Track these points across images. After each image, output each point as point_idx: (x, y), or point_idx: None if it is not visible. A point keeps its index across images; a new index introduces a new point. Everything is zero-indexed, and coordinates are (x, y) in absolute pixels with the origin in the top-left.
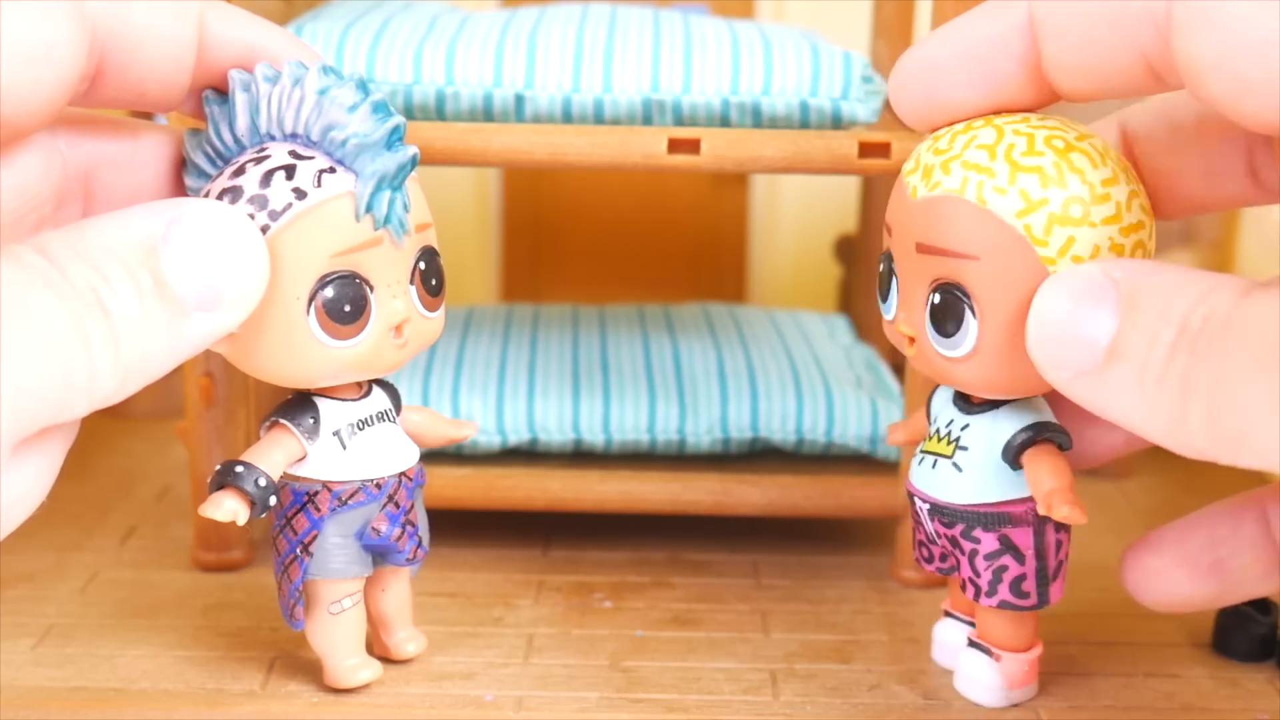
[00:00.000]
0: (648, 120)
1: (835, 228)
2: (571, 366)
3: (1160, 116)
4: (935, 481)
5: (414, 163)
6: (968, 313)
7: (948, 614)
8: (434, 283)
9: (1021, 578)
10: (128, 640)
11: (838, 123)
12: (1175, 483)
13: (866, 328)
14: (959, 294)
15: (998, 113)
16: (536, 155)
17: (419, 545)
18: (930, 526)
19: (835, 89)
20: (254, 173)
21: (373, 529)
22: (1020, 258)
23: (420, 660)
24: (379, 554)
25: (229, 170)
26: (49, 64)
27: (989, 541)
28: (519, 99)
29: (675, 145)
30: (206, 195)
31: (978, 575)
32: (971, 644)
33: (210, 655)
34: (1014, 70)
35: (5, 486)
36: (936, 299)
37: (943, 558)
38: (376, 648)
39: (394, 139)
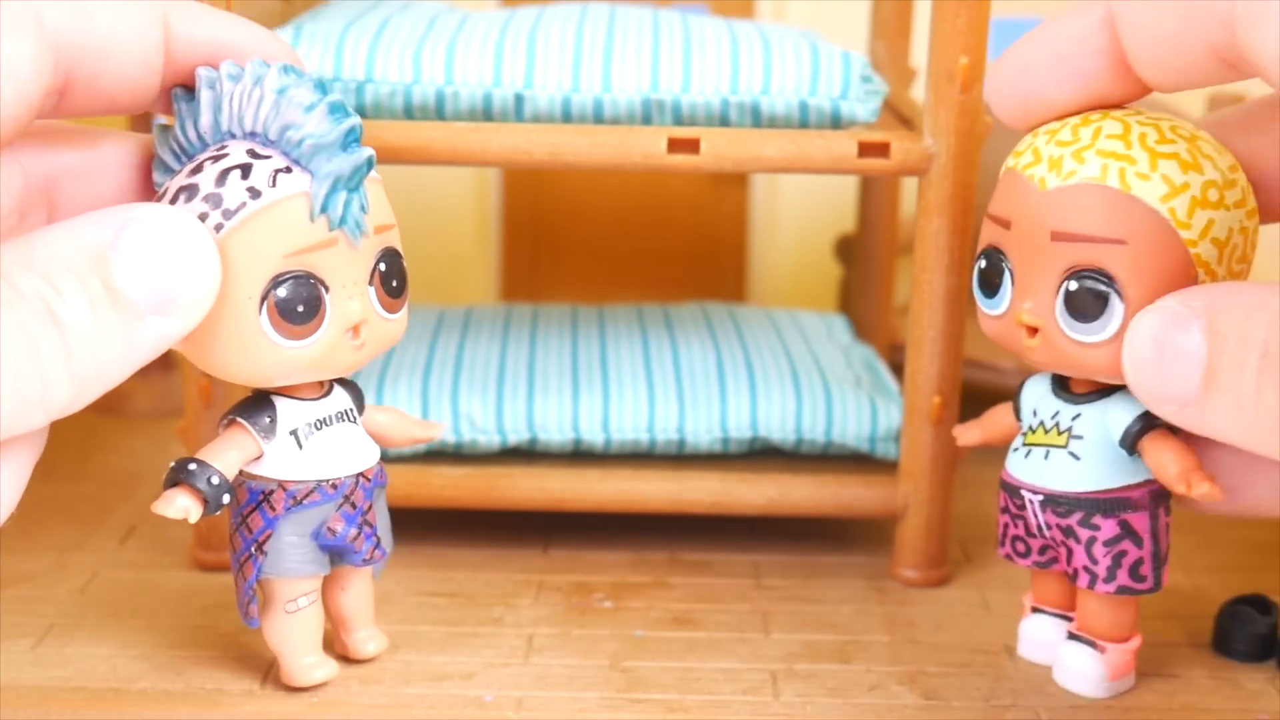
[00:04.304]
0: (647, 120)
1: (835, 228)
2: (571, 366)
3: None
4: (1049, 472)
5: (370, 164)
6: (1114, 297)
7: (1035, 609)
8: (395, 284)
9: (1140, 561)
10: (128, 640)
11: (837, 122)
12: None
13: (865, 327)
14: (1102, 280)
15: (1094, 109)
16: (536, 155)
17: (376, 546)
18: (1040, 518)
19: (834, 89)
20: (211, 171)
21: (328, 529)
22: (1165, 241)
23: (420, 660)
24: (336, 554)
25: (188, 168)
26: (9, 82)
27: (1109, 527)
28: (519, 99)
29: (675, 145)
30: (165, 192)
31: (1094, 562)
32: (1072, 636)
33: (210, 655)
34: (1100, 65)
35: None
36: (1073, 286)
37: (1042, 550)
38: (336, 646)
39: (350, 140)
